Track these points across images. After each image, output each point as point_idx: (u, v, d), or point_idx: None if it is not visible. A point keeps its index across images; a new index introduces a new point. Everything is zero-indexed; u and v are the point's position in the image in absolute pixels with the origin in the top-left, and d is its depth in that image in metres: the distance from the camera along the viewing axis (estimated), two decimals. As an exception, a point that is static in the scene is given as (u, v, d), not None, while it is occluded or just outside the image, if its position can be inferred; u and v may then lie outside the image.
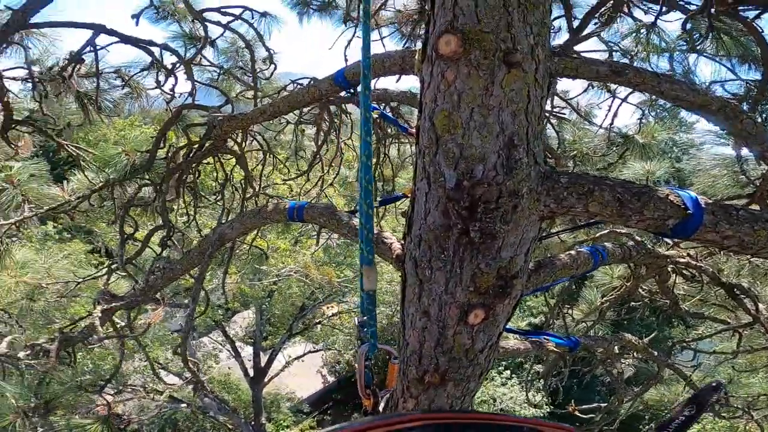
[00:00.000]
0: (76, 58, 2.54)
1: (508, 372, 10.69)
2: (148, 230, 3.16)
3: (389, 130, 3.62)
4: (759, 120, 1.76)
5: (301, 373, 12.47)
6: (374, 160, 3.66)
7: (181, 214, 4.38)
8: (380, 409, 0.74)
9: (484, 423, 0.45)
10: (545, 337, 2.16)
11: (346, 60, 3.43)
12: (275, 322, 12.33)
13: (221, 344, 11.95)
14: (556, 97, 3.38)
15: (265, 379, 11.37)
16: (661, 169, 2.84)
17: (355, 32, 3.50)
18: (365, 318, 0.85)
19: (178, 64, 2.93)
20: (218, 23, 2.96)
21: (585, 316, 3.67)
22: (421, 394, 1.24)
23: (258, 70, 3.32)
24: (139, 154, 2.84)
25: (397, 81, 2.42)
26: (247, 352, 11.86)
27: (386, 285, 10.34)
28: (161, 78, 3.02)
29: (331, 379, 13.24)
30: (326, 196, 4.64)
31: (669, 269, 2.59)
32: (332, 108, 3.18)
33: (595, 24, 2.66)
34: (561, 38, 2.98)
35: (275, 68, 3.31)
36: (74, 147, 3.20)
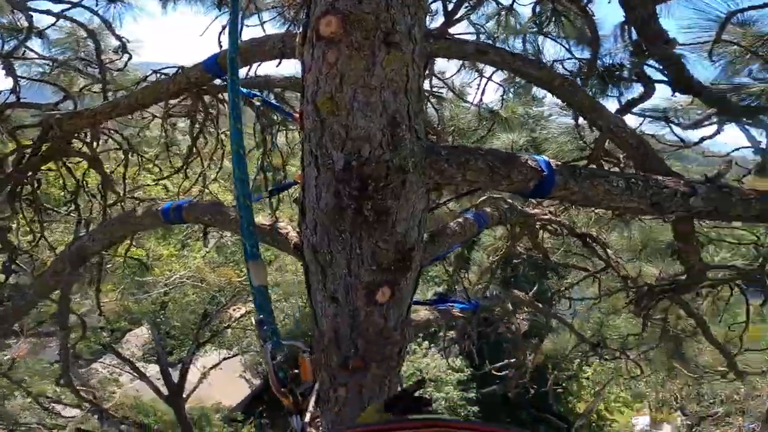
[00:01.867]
0: None
1: (426, 343, 11.40)
2: None
3: (275, 117, 3.44)
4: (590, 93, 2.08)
5: (222, 382, 11.61)
6: (260, 149, 3.47)
7: (24, 233, 3.64)
8: (310, 405, 0.70)
9: None
10: (450, 304, 2.33)
11: (220, 46, 3.15)
12: (176, 335, 11.20)
13: (118, 367, 10.55)
14: (434, 78, 3.59)
15: (184, 395, 10.38)
16: (522, 139, 3.23)
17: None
18: (261, 316, 0.79)
19: None
20: (48, 12, 2.52)
21: (479, 278, 4.04)
22: (349, 381, 1.25)
23: (109, 60, 2.89)
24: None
25: (278, 65, 2.30)
26: (153, 370, 10.65)
27: (293, 277, 10.08)
28: None
29: (256, 381, 12.57)
30: (210, 192, 4.28)
31: (537, 226, 2.98)
32: (207, 98, 2.90)
33: (466, 7, 2.88)
34: (438, 21, 3.14)
35: (129, 58, 2.87)
36: None
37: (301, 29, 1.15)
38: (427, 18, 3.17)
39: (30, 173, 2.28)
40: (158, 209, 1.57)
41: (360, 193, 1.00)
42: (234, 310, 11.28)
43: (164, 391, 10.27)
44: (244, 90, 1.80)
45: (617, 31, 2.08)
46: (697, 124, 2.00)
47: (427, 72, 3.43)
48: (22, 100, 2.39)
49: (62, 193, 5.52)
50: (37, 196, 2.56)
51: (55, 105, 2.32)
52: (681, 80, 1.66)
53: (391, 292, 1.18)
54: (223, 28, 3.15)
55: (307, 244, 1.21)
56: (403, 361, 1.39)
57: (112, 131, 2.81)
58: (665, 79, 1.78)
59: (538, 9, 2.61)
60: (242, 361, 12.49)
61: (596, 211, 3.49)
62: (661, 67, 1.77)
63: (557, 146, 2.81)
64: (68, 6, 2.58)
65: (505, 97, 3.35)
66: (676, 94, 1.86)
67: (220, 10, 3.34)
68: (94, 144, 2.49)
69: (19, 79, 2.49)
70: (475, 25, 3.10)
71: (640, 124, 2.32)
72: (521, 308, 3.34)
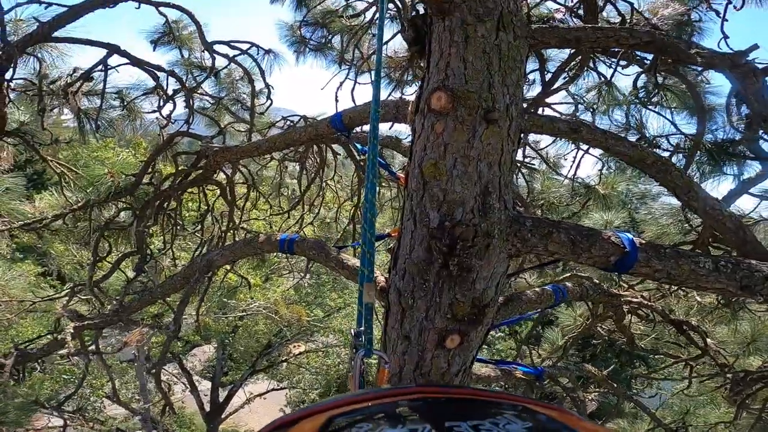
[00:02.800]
0: (86, 75, 2.56)
1: None
2: (120, 255, 3.15)
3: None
4: (688, 171, 1.97)
5: (262, 411, 11.91)
6: (354, 202, 3.78)
7: (149, 242, 4.32)
8: None
9: (466, 398, 0.44)
10: (514, 366, 2.29)
11: (337, 100, 3.61)
12: (237, 358, 11.88)
13: (176, 377, 11.40)
14: (528, 147, 3.65)
15: (222, 415, 10.84)
16: (619, 219, 3.10)
17: (348, 74, 3.68)
18: (362, 329, 0.98)
19: (179, 91, 3.00)
20: (225, 55, 3.05)
21: (549, 354, 3.82)
22: None
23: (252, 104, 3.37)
24: (124, 177, 2.85)
25: (390, 128, 2.57)
26: (204, 386, 11.33)
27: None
28: (160, 103, 3.06)
29: None
30: (304, 234, 4.72)
31: (624, 309, 2.80)
32: (316, 147, 3.29)
33: (564, 78, 2.97)
34: (535, 90, 3.25)
35: (271, 103, 3.40)
36: (58, 164, 3.20)
37: (414, 100, 1.37)
38: (525, 87, 3.31)
39: (178, 192, 2.80)
40: (276, 239, 1.87)
41: (449, 250, 1.14)
42: (295, 346, 11.66)
43: (207, 407, 10.73)
44: (359, 146, 2.08)
45: (730, 103, 1.96)
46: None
47: (520, 142, 3.52)
48: (190, 131, 2.87)
49: (188, 214, 6.44)
50: (178, 212, 3.10)
51: (210, 138, 2.79)
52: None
53: (460, 341, 1.26)
54: (341, 84, 3.63)
55: (394, 287, 1.35)
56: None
57: (242, 166, 3.33)
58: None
59: (640, 82, 2.58)
60: (287, 396, 12.68)
61: (698, 300, 3.19)
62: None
63: (658, 228, 2.68)
64: (239, 53, 3.09)
65: (604, 171, 3.27)
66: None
67: (340, 67, 3.86)
68: (233, 176, 2.97)
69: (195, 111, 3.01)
70: (574, 96, 3.15)
71: (756, 206, 2.15)
72: (592, 386, 3.08)
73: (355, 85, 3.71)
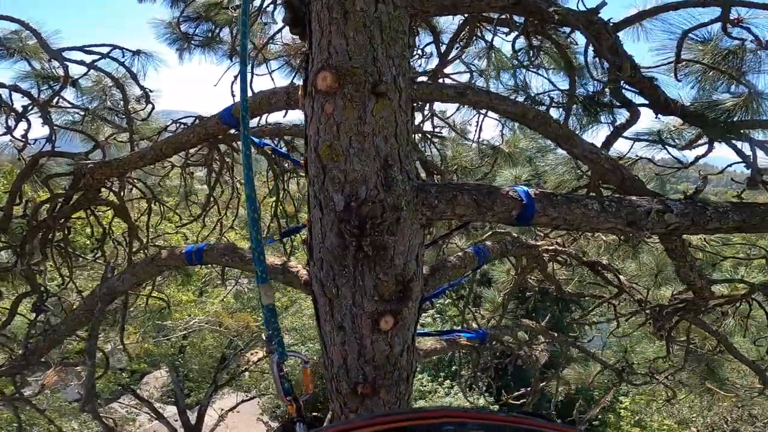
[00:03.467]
0: None
1: (448, 382, 11.09)
2: (14, 297, 2.76)
3: (287, 165, 3.62)
4: (569, 123, 2.15)
5: (240, 425, 11.49)
6: (273, 198, 3.62)
7: (51, 278, 3.84)
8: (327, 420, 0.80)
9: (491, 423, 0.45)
10: (456, 334, 2.36)
11: (233, 95, 3.39)
12: (195, 377, 11.32)
13: (136, 408, 10.62)
14: (435, 118, 3.75)
15: None
16: (526, 173, 3.32)
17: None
18: (270, 332, 0.91)
19: (30, 107, 2.60)
20: (81, 62, 2.67)
21: (492, 314, 4.03)
22: (359, 407, 1.30)
23: (133, 110, 3.04)
24: (-13, 213, 2.47)
25: (284, 116, 2.45)
26: (170, 411, 10.67)
27: (310, 321, 10.14)
28: (9, 123, 2.64)
29: (274, 424, 12.42)
30: (227, 239, 4.45)
31: (545, 258, 3.00)
32: (222, 147, 3.08)
33: (457, 48, 3.06)
34: (433, 63, 3.32)
35: (153, 108, 3.09)
36: None
37: (302, 83, 1.30)
38: (423, 60, 3.41)
39: (62, 220, 2.45)
40: (181, 252, 1.71)
41: (359, 231, 1.10)
42: (252, 354, 11.31)
43: (181, 431, 10.22)
44: (257, 139, 1.96)
45: (593, 60, 2.09)
46: (690, 144, 2.04)
47: (427, 113, 3.61)
48: (56, 149, 2.50)
49: (88, 241, 5.80)
50: (67, 242, 2.73)
51: (86, 154, 2.46)
52: (658, 102, 1.70)
53: (394, 321, 1.25)
54: (235, 77, 3.41)
55: (315, 279, 1.30)
56: (410, 388, 1.44)
57: (136, 180, 3.00)
58: (647, 102, 1.80)
59: (517, 45, 2.77)
60: (260, 404, 12.41)
61: (603, 239, 3.51)
62: (638, 91, 1.79)
63: (556, 177, 2.88)
64: (99, 57, 2.72)
65: (504, 132, 3.43)
66: (659, 116, 1.92)
67: (231, 60, 3.62)
68: (121, 193, 2.66)
69: (55, 128, 2.60)
70: (467, 65, 3.27)
71: (630, 149, 2.39)
72: (538, 338, 3.30)
73: (253, 77, 3.51)
